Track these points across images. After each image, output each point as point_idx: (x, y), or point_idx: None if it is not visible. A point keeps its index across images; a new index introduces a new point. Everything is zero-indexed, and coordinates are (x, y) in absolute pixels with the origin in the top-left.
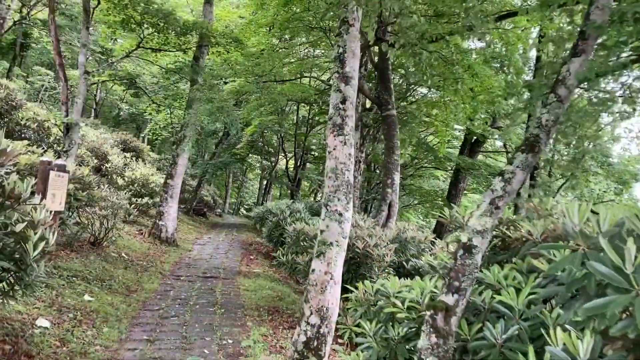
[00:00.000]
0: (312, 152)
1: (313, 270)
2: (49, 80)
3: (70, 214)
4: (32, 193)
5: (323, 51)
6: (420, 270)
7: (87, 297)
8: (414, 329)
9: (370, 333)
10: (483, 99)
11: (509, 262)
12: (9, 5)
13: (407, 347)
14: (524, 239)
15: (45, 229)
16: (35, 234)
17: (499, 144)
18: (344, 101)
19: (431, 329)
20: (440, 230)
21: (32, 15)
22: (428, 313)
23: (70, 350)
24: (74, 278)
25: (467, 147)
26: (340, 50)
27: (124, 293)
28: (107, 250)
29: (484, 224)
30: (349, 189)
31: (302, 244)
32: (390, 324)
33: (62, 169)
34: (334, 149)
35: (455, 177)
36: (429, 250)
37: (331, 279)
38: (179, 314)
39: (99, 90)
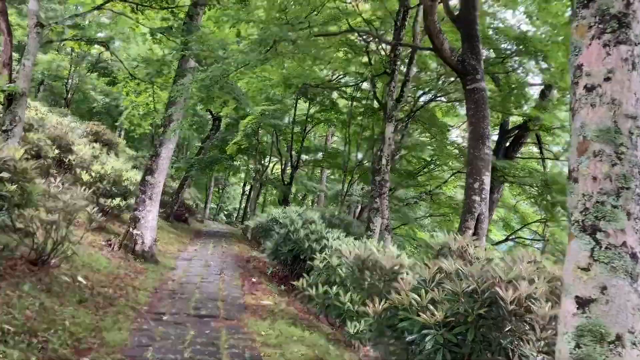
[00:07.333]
0: (304, 156)
1: None
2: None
3: None
4: None
5: None
6: None
7: None
8: None
9: None
10: None
11: None
12: None
13: None
14: None
15: None
16: None
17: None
18: None
19: None
20: None
21: None
22: None
23: None
24: None
25: (502, 148)
26: None
27: (68, 359)
28: (56, 272)
29: None
30: None
31: (367, 281)
32: None
33: None
34: (607, 79)
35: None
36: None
37: None
38: None
39: (70, 78)
